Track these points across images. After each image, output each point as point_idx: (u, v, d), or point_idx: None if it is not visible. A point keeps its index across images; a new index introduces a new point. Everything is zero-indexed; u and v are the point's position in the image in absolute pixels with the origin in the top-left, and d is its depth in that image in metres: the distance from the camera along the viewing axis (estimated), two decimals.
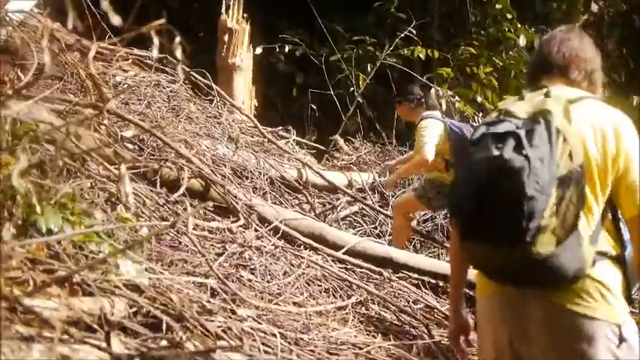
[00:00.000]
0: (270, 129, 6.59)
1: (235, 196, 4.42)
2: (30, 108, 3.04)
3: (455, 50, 9.89)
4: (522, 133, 1.93)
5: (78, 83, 4.79)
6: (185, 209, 3.97)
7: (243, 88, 7.23)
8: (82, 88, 4.71)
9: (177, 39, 2.12)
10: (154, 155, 4.24)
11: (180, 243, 3.50)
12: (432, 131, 5.08)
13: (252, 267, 3.81)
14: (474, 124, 5.39)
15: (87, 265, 2.35)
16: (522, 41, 9.75)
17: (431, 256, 5.59)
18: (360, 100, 8.46)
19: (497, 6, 10.17)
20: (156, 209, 3.72)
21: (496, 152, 1.93)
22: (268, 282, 3.74)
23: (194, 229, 3.77)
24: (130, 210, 3.08)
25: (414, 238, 5.96)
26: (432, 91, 5.72)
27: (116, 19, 2.03)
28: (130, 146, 4.28)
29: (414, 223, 6.13)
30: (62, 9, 2.38)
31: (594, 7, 10.22)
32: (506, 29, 10.00)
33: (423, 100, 5.39)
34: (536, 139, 1.92)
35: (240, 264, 3.77)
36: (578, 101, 2.10)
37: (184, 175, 4.21)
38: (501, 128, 1.99)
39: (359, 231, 5.75)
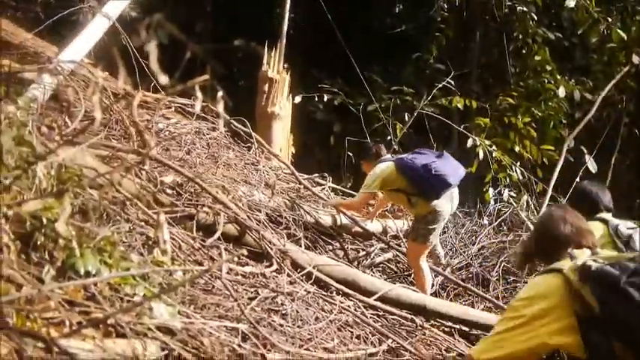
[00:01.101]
0: (306, 176, 6.68)
1: (270, 242, 4.49)
2: (75, 154, 3.17)
3: (493, 100, 9.94)
4: None
5: (122, 129, 4.96)
6: (220, 253, 4.04)
7: (282, 135, 7.38)
8: (126, 134, 4.88)
9: (220, 94, 2.22)
10: (191, 200, 4.34)
11: (213, 287, 3.55)
12: (374, 176, 5.62)
13: (284, 312, 3.83)
14: (423, 150, 5.71)
15: (122, 309, 2.42)
16: (562, 92, 9.74)
17: (465, 304, 5.56)
18: (397, 149, 8.53)
19: (537, 58, 10.24)
20: (191, 253, 3.80)
21: None
22: (299, 327, 3.76)
23: (228, 273, 3.84)
24: (166, 254, 3.16)
25: (447, 286, 5.94)
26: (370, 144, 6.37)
27: (163, 79, 2.15)
28: (169, 191, 4.40)
29: (447, 271, 6.13)
30: (111, 59, 2.51)
31: (635, 59, 10.14)
32: (546, 80, 10.02)
33: (375, 152, 5.90)
34: None
35: (272, 309, 3.80)
36: None
37: (220, 220, 4.29)
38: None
39: (392, 278, 5.76)
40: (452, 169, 5.42)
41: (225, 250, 4.12)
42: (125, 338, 2.36)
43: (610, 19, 10.12)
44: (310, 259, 4.61)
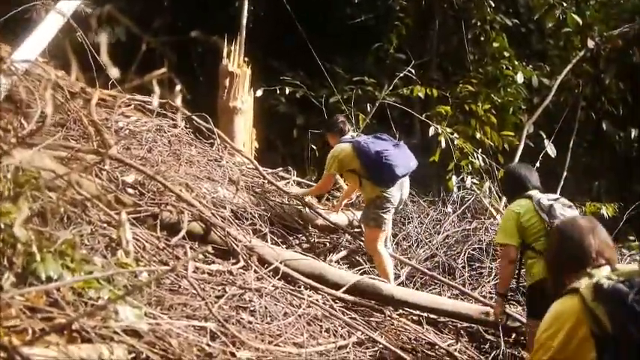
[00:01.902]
0: (270, 170, 6.65)
1: (235, 238, 4.46)
2: (32, 156, 3.09)
3: (454, 88, 10.00)
4: None
5: (81, 130, 4.86)
6: (185, 252, 3.99)
7: (244, 130, 7.31)
8: (85, 134, 4.79)
9: (178, 87, 2.18)
10: (154, 199, 4.28)
11: (180, 286, 3.52)
12: (332, 158, 5.74)
13: (252, 309, 3.82)
14: (383, 136, 5.81)
15: (86, 313, 2.38)
16: (520, 78, 9.87)
17: (432, 293, 5.62)
18: None
19: (495, 44, 10.33)
20: (156, 253, 3.75)
21: None
22: (268, 323, 3.76)
23: (194, 272, 3.80)
24: (129, 255, 3.12)
25: (414, 275, 5.98)
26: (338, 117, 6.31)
27: (114, 72, 2.10)
28: (131, 191, 4.34)
29: (414, 261, 6.16)
30: (66, 57, 2.45)
31: (591, 43, 10.32)
32: (504, 67, 10.13)
33: (341, 127, 5.95)
34: None
35: (240, 306, 3.79)
36: None
37: (185, 218, 4.25)
38: None
39: (360, 270, 5.77)
40: (403, 160, 5.50)
41: (191, 248, 4.08)
42: (91, 343, 2.32)
43: (565, 4, 10.27)
44: (277, 254, 4.61)
